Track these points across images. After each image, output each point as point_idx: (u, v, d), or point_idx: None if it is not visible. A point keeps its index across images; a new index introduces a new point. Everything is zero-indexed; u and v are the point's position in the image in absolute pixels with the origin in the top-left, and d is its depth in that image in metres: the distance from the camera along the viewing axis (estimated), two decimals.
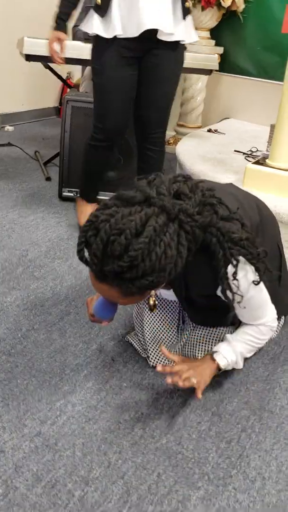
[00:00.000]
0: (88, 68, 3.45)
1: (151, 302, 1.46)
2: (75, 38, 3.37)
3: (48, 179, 3.15)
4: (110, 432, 1.34)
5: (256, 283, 1.27)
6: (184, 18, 2.05)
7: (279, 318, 1.71)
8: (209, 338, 1.52)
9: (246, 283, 1.26)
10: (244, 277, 1.26)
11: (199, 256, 1.22)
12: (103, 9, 1.97)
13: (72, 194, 2.81)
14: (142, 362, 1.61)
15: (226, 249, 1.19)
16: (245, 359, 1.64)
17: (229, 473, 1.26)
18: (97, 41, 2.07)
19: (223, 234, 1.19)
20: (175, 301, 1.62)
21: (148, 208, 1.09)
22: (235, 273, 1.21)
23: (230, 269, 1.22)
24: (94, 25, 2.01)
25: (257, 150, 2.99)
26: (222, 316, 1.40)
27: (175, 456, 1.29)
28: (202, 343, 1.53)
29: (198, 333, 1.54)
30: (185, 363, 1.39)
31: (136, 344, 1.66)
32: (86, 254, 1.13)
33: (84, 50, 2.68)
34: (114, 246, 1.05)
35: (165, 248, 1.07)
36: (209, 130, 3.53)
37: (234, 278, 1.21)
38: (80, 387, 1.49)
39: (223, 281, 1.22)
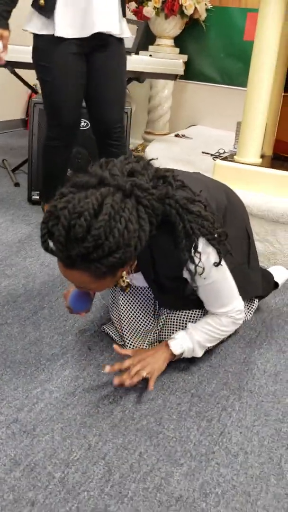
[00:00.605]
0: None
1: (123, 283, 1.45)
2: None
3: (16, 184, 3.13)
4: (89, 416, 1.31)
5: (216, 264, 1.27)
6: (124, 16, 2.15)
7: (251, 300, 1.73)
8: (185, 321, 1.51)
9: (208, 266, 1.27)
10: (207, 260, 1.27)
11: (163, 236, 1.23)
12: (48, 10, 1.98)
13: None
14: None
15: (186, 221, 1.20)
16: (221, 344, 1.65)
17: (211, 450, 1.25)
18: (43, 40, 2.06)
19: (181, 206, 1.20)
20: (149, 288, 1.61)
21: (103, 188, 1.10)
22: (196, 247, 1.22)
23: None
24: (39, 24, 2.03)
25: (224, 152, 3.04)
26: (190, 300, 1.42)
27: (156, 436, 1.27)
28: (179, 326, 1.52)
29: (174, 317, 1.54)
30: (137, 355, 1.41)
31: (113, 333, 1.64)
32: (51, 244, 1.13)
33: None
34: (76, 229, 1.06)
35: (126, 223, 1.09)
36: (177, 135, 3.58)
37: (196, 251, 1.22)
38: (57, 375, 1.46)
39: (184, 253, 1.22)
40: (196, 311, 1.52)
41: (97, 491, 1.11)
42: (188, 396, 1.42)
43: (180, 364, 1.55)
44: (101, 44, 2.09)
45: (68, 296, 1.53)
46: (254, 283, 1.62)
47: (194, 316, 1.51)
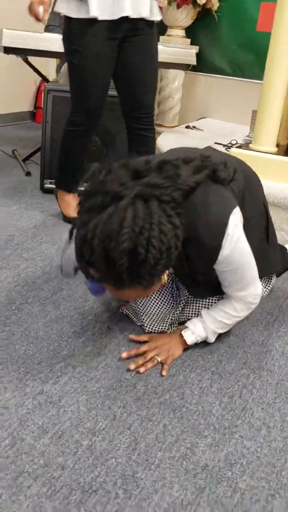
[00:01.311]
0: (65, 65, 3.48)
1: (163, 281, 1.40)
2: None
3: (28, 174, 3.14)
4: (112, 390, 1.33)
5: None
6: None
7: (269, 277, 1.73)
8: (207, 302, 1.53)
9: (237, 248, 1.28)
10: (235, 241, 1.27)
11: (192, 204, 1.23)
12: None
13: (54, 186, 2.80)
14: (139, 330, 1.61)
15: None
16: (237, 326, 1.66)
17: (234, 423, 1.26)
18: (75, 23, 2.07)
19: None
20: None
21: (122, 202, 1.04)
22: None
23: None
24: (72, 7, 2.03)
25: (237, 143, 3.05)
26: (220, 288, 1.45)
27: (180, 410, 1.29)
28: (200, 307, 1.54)
29: (195, 299, 1.55)
30: (153, 342, 1.47)
31: (131, 313, 1.66)
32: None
33: (58, 43, 2.74)
34: (111, 253, 1.03)
35: (160, 227, 1.05)
36: (187, 127, 3.59)
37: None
38: (79, 351, 1.48)
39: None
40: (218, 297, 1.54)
41: (125, 458, 1.13)
42: (209, 373, 1.44)
43: (199, 343, 1.57)
44: (132, 28, 2.07)
45: None
46: (273, 259, 1.63)
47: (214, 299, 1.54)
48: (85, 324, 1.61)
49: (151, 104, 2.27)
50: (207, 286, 1.48)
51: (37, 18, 2.16)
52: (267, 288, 1.74)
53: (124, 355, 1.42)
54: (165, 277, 1.38)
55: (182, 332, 1.48)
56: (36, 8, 2.12)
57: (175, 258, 1.11)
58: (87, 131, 2.28)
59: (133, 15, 2.02)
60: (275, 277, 1.77)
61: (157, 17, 2.13)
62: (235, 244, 1.27)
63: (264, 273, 1.52)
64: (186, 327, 1.49)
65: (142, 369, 1.41)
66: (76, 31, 2.08)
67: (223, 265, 1.30)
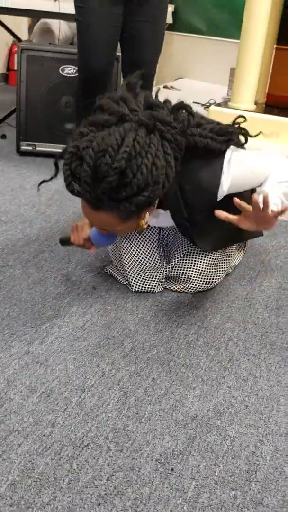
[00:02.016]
0: (38, 24, 3.37)
1: (144, 225, 1.40)
2: None
3: (3, 136, 3.06)
4: (100, 347, 1.33)
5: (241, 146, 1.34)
6: None
7: (245, 244, 1.75)
8: (203, 260, 1.54)
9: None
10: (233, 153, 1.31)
11: (189, 166, 1.23)
12: None
13: (31, 148, 2.74)
14: (124, 289, 1.60)
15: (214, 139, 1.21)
16: (221, 282, 1.67)
17: (222, 375, 1.28)
18: None
19: (206, 136, 1.21)
20: (153, 227, 1.62)
21: (126, 124, 1.07)
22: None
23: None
24: None
25: (215, 102, 3.01)
26: (233, 231, 1.39)
27: (167, 363, 1.30)
28: (195, 262, 1.55)
29: (190, 254, 1.56)
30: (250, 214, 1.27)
31: (116, 273, 1.65)
32: (76, 186, 1.11)
33: (33, 1, 2.67)
34: (102, 167, 1.03)
35: (153, 159, 1.06)
36: (165, 87, 3.53)
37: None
38: (64, 311, 1.47)
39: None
40: (212, 253, 1.55)
41: (115, 413, 1.13)
42: (195, 328, 1.45)
43: (184, 300, 1.57)
44: None
45: (83, 229, 1.47)
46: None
47: (211, 256, 1.55)
48: (69, 285, 1.60)
49: (154, 63, 2.23)
50: (214, 235, 1.47)
51: None
52: (241, 253, 1.76)
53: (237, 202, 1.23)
54: (143, 222, 1.32)
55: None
56: None
57: (158, 196, 1.12)
58: (93, 91, 2.22)
59: None
60: (248, 243, 1.79)
61: None
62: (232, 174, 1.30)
63: (239, 240, 1.54)
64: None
65: (275, 209, 1.24)
66: None
67: (235, 188, 1.33)
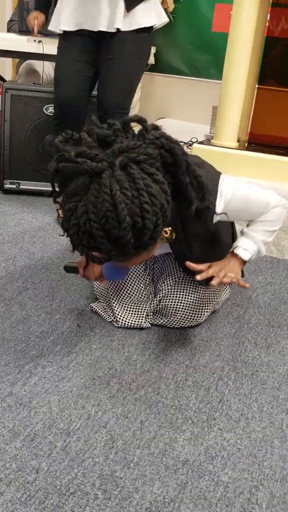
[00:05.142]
0: (23, 65, 3.41)
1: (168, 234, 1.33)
2: (9, 31, 3.33)
3: None
4: (85, 388, 1.28)
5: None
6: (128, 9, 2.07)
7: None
8: (190, 292, 1.52)
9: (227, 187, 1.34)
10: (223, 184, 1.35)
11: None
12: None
13: (15, 186, 2.73)
14: (110, 326, 1.56)
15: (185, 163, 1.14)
16: (209, 319, 1.64)
17: (212, 416, 1.23)
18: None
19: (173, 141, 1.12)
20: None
21: (100, 178, 1.00)
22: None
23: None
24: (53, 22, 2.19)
25: (197, 140, 3.05)
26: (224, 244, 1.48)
27: (156, 405, 1.25)
28: (183, 295, 1.53)
29: (178, 287, 1.54)
30: (215, 266, 1.39)
31: (101, 310, 1.61)
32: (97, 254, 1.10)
33: (18, 42, 2.73)
34: (113, 233, 1.00)
35: (147, 190, 1.01)
36: None
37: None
38: (48, 350, 1.42)
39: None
40: (200, 288, 1.53)
41: (102, 457, 1.08)
42: (183, 367, 1.41)
43: (171, 337, 1.53)
44: (100, 37, 2.13)
45: (93, 265, 1.44)
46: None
47: (200, 288, 1.53)
48: (53, 323, 1.55)
49: (113, 103, 2.23)
50: (206, 252, 1.46)
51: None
52: (228, 287, 1.74)
53: (199, 277, 1.34)
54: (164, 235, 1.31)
55: (235, 251, 1.43)
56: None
57: (170, 213, 1.09)
58: (63, 125, 2.23)
59: (92, 28, 2.09)
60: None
61: (118, 24, 2.06)
62: (229, 198, 1.33)
63: None
64: (237, 247, 1.44)
65: (226, 280, 1.36)
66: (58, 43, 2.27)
67: (231, 213, 1.35)
